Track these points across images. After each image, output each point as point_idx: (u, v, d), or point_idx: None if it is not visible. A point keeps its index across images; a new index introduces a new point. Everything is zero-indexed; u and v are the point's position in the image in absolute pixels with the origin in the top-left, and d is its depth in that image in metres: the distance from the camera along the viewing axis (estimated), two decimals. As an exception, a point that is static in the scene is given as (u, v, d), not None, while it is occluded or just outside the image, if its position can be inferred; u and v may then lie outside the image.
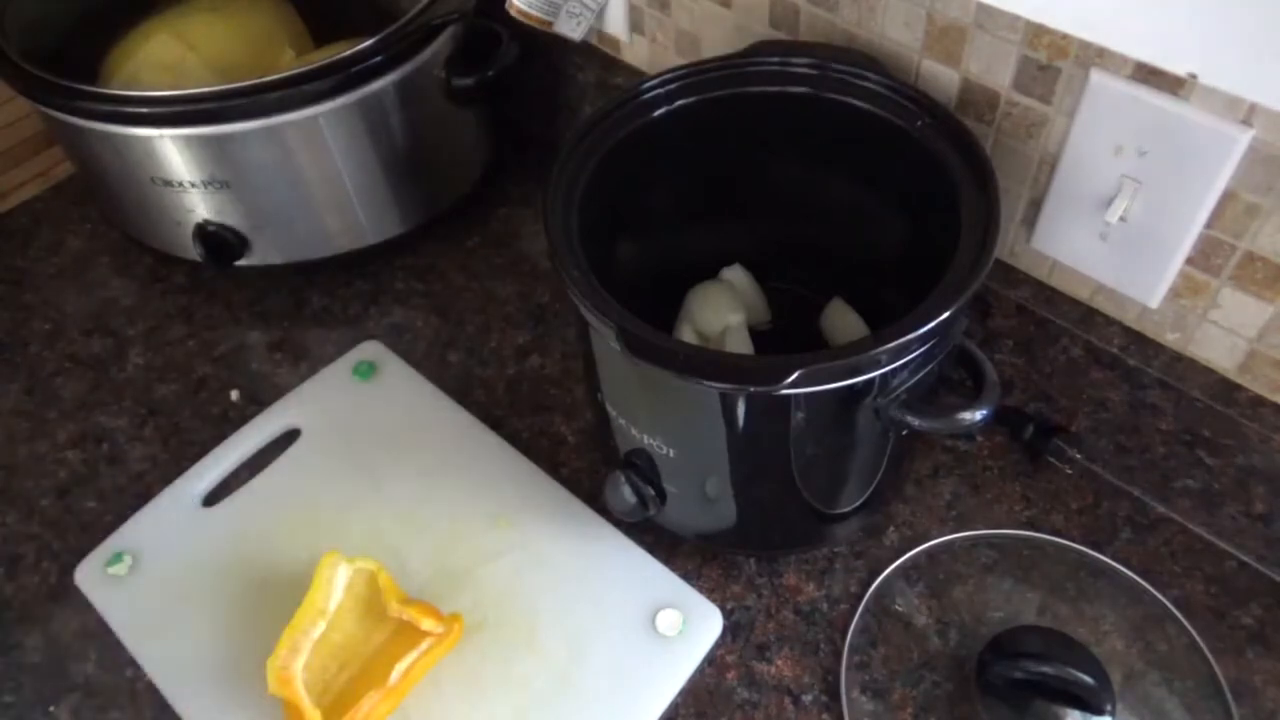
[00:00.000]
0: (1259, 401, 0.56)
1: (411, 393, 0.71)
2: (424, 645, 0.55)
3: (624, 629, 0.58)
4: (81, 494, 0.68)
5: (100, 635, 0.61)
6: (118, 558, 0.63)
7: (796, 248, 0.67)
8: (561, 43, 0.78)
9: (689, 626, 0.58)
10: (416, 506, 0.64)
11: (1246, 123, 0.47)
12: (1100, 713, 0.50)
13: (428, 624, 0.55)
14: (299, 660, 0.52)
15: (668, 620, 0.58)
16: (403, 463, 0.67)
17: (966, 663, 0.55)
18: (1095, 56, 0.51)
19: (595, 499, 0.63)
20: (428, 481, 0.66)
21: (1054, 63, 0.53)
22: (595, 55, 0.81)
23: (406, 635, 0.55)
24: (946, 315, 0.44)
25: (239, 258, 0.75)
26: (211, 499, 0.66)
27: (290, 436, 0.69)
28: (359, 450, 0.68)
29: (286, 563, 0.62)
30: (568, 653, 0.57)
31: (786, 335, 0.68)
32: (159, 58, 0.77)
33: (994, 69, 0.56)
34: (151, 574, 0.62)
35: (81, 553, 0.64)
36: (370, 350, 0.74)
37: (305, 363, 0.76)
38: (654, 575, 0.61)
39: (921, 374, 0.47)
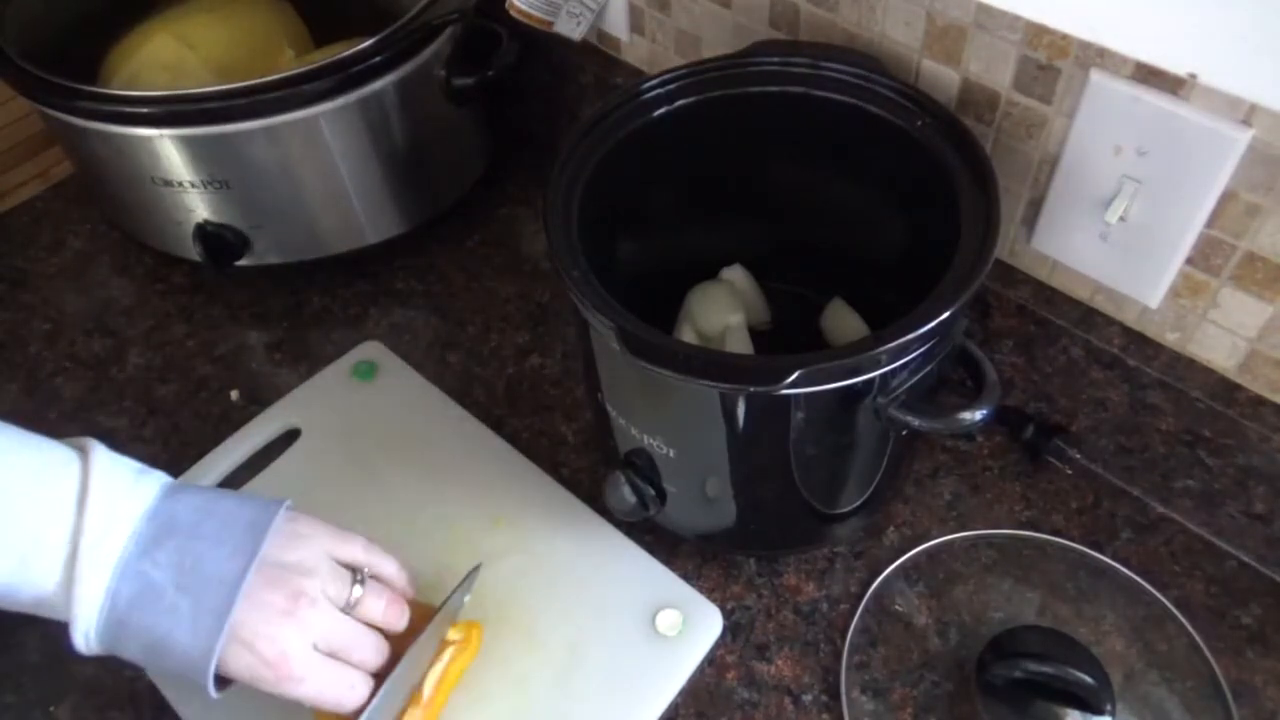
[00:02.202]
0: (1259, 401, 0.56)
1: (411, 393, 0.71)
2: (447, 655, 0.54)
3: (624, 629, 0.58)
4: (81, 494, 0.68)
5: (100, 635, 0.61)
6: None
7: (796, 248, 0.67)
8: (561, 43, 0.78)
9: (689, 626, 0.58)
10: (416, 507, 0.64)
11: (1246, 123, 0.47)
12: (1100, 713, 0.50)
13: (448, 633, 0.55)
14: None
15: (668, 620, 0.58)
16: (403, 463, 0.67)
17: (966, 663, 0.55)
18: (1095, 56, 0.51)
19: (595, 499, 0.63)
20: (428, 482, 0.66)
21: (1054, 63, 0.53)
22: (595, 55, 0.81)
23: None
24: (946, 315, 0.44)
25: (239, 258, 0.75)
26: (211, 499, 0.66)
27: (290, 436, 0.69)
28: (359, 451, 0.68)
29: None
30: (567, 653, 0.57)
31: (786, 335, 0.68)
32: (159, 58, 0.77)
33: (994, 69, 0.56)
34: (151, 574, 0.62)
35: (81, 553, 0.64)
36: (370, 350, 0.74)
37: (305, 363, 0.76)
38: (654, 575, 0.61)
39: (921, 374, 0.47)
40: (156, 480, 0.47)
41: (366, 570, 0.51)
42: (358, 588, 0.49)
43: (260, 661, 0.45)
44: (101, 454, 0.46)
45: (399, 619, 0.51)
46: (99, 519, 0.44)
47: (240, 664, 0.45)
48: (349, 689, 0.48)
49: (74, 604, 0.44)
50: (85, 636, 0.45)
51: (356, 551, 0.51)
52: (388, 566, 0.53)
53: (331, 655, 0.48)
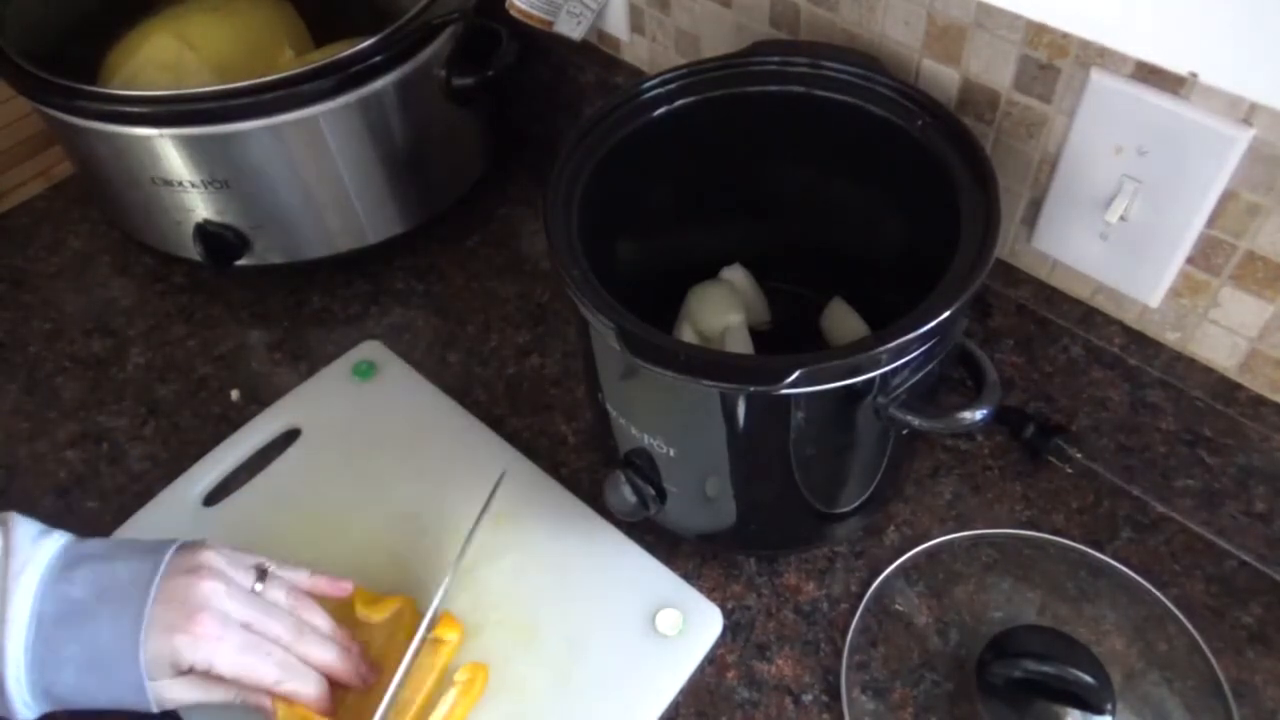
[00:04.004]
0: (1259, 401, 0.56)
1: (411, 393, 0.71)
2: (451, 697, 0.54)
3: (624, 629, 0.58)
4: (81, 494, 0.68)
5: (100, 635, 0.61)
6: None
7: (796, 248, 0.67)
8: (561, 43, 0.78)
9: (689, 626, 0.58)
10: (416, 506, 0.64)
11: (1246, 122, 0.47)
12: (1100, 713, 0.50)
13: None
14: None
15: (668, 620, 0.58)
16: (402, 463, 0.67)
17: (966, 663, 0.55)
18: (1095, 56, 0.51)
19: (595, 499, 0.63)
20: (427, 481, 0.66)
21: (1054, 62, 0.53)
22: (595, 55, 0.81)
23: (391, 630, 0.56)
24: (947, 315, 0.44)
25: (239, 257, 0.75)
26: (212, 499, 0.66)
27: (290, 436, 0.69)
28: (359, 450, 0.68)
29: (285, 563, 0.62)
30: (568, 652, 0.57)
31: (786, 335, 0.68)
32: (159, 58, 0.77)
33: (994, 69, 0.56)
34: (151, 574, 0.62)
35: (81, 553, 0.64)
36: (370, 350, 0.74)
37: (305, 363, 0.76)
38: (654, 575, 0.61)
39: (921, 374, 0.47)
40: (63, 533, 0.51)
41: (269, 567, 0.53)
42: (259, 584, 0.52)
43: (175, 628, 0.47)
44: (17, 517, 0.50)
45: (306, 608, 0.53)
46: (17, 561, 0.48)
47: (162, 646, 0.47)
48: (265, 655, 0.49)
49: (3, 638, 0.46)
50: (16, 678, 0.46)
51: (256, 558, 0.53)
52: (295, 574, 0.55)
53: (245, 628, 0.50)
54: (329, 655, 0.52)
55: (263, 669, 0.49)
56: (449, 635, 0.56)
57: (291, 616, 0.52)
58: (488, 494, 0.61)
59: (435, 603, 0.55)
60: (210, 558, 0.51)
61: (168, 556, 0.50)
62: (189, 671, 0.48)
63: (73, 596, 0.48)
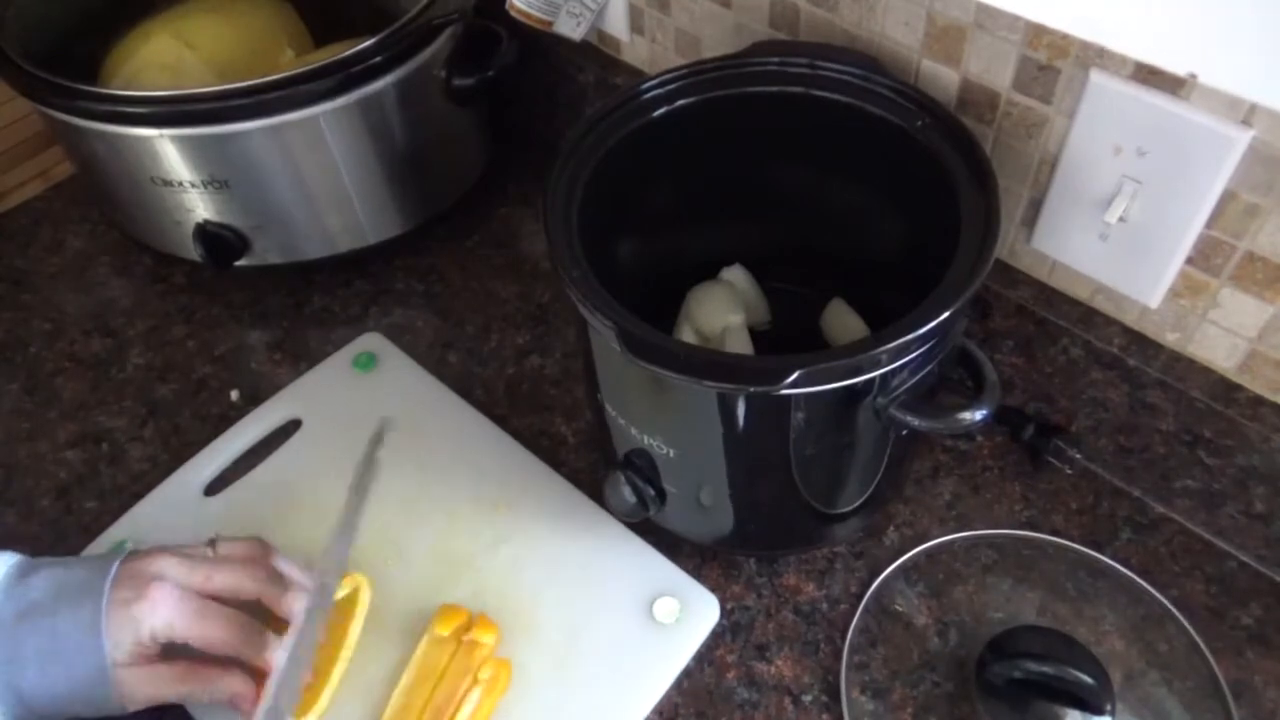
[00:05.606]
0: (1259, 401, 0.56)
1: (412, 384, 0.72)
2: (476, 696, 0.54)
3: (622, 617, 0.58)
4: (81, 494, 0.68)
5: (100, 635, 0.61)
6: (120, 546, 0.63)
7: (796, 248, 0.67)
8: (561, 43, 0.78)
9: (686, 614, 0.58)
10: (416, 496, 0.64)
11: (1246, 123, 0.47)
12: (1100, 713, 0.50)
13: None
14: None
15: (665, 608, 0.59)
16: (402, 453, 0.67)
17: (966, 663, 0.55)
18: (1095, 56, 0.51)
19: (595, 498, 0.63)
20: (428, 471, 0.66)
21: (1054, 63, 0.53)
22: (595, 55, 0.81)
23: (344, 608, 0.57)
24: (946, 315, 0.44)
25: (239, 258, 0.75)
26: (213, 488, 0.66)
27: (291, 427, 0.70)
28: (359, 441, 0.67)
29: (286, 553, 0.61)
30: (565, 641, 0.58)
31: (786, 335, 0.68)
32: (159, 58, 0.77)
33: (994, 69, 0.56)
34: (151, 573, 0.62)
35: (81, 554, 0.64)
36: (371, 342, 0.75)
37: (305, 362, 0.76)
38: (652, 564, 0.61)
39: (921, 374, 0.47)
40: (14, 553, 0.52)
41: (218, 535, 0.55)
42: (211, 551, 0.54)
43: (131, 601, 0.49)
44: None
45: (271, 555, 0.55)
46: None
47: (122, 620, 0.49)
48: (224, 620, 0.51)
49: None
50: None
51: (203, 549, 0.55)
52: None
53: (203, 593, 0.51)
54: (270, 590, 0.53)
55: (221, 630, 0.50)
56: (485, 638, 0.56)
57: (247, 572, 0.53)
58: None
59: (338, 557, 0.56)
60: (160, 553, 0.52)
61: (120, 558, 0.52)
62: (152, 650, 0.49)
63: (31, 597, 0.49)
